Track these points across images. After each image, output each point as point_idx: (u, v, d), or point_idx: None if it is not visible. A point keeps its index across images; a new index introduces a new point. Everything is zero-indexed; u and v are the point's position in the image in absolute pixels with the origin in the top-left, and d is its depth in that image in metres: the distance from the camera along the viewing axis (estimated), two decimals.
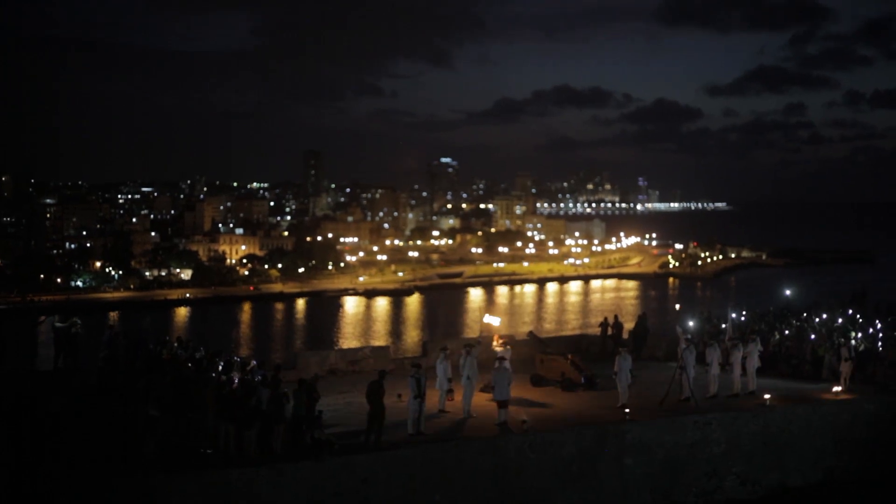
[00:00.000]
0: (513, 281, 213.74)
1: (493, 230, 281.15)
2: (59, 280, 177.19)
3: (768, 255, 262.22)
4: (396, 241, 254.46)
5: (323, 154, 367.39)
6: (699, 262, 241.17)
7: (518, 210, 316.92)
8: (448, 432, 26.53)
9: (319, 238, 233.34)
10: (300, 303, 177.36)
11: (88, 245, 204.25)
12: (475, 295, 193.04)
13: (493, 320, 38.84)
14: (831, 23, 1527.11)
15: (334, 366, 36.47)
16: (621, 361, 30.32)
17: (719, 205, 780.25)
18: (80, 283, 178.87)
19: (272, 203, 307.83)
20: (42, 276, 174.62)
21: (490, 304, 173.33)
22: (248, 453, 23.46)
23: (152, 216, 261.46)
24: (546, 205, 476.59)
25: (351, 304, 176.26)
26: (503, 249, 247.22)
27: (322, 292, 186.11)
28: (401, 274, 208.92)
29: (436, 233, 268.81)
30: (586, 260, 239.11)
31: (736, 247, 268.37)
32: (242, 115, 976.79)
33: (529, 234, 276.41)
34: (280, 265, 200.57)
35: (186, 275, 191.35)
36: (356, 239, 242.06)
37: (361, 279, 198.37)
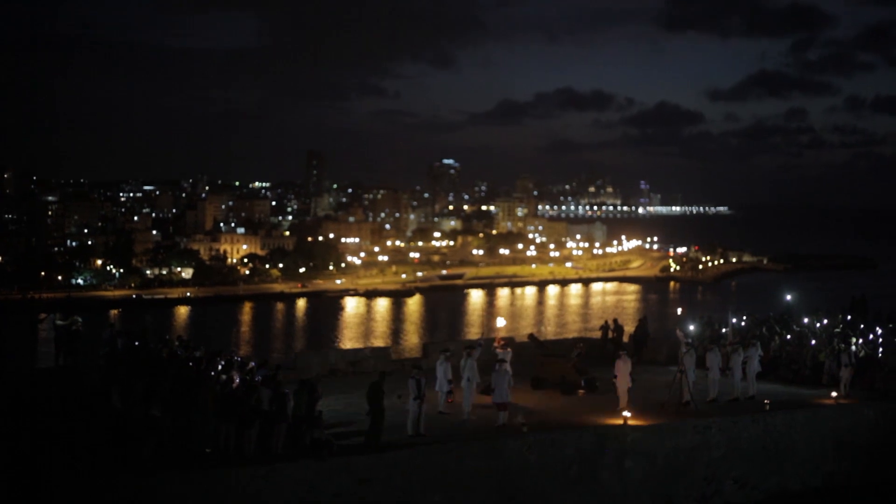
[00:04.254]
0: (514, 283, 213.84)
1: (494, 232, 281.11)
2: (60, 278, 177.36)
3: (769, 260, 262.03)
4: (398, 242, 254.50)
5: (325, 154, 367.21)
6: (700, 266, 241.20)
7: (520, 212, 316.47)
8: (448, 434, 26.50)
9: (321, 238, 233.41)
10: (301, 303, 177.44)
11: (90, 243, 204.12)
12: (476, 297, 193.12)
13: (499, 322, 38.77)
14: (832, 28, 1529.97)
15: (335, 366, 36.48)
16: (622, 365, 30.32)
17: (721, 209, 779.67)
18: (80, 281, 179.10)
19: (274, 203, 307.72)
20: (43, 273, 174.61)
21: (491, 307, 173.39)
22: (247, 453, 23.47)
23: (154, 215, 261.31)
24: (548, 207, 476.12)
25: (352, 305, 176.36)
26: (504, 251, 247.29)
27: (323, 292, 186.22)
28: (404, 276, 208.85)
29: (437, 234, 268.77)
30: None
31: (737, 251, 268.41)
32: (245, 114, 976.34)
33: (531, 236, 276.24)
34: (281, 265, 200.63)
35: (187, 274, 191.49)
36: (357, 239, 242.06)
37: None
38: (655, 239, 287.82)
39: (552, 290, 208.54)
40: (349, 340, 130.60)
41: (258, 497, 22.24)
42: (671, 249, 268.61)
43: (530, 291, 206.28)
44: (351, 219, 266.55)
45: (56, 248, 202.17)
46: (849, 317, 45.74)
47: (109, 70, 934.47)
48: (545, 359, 34.83)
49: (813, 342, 38.73)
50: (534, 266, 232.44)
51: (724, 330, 41.69)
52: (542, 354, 35.44)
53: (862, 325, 42.88)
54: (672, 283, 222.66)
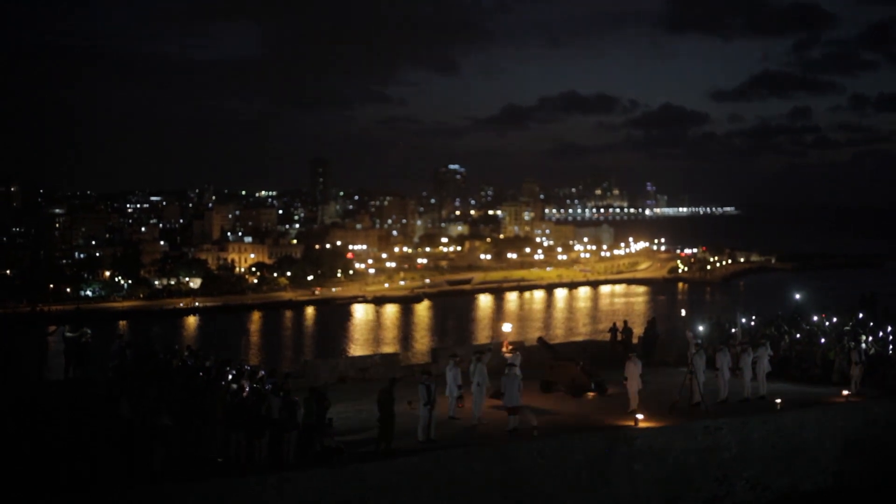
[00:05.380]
0: (522, 287, 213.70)
1: (501, 236, 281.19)
2: (68, 289, 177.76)
3: (777, 260, 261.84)
4: (405, 249, 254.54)
5: (331, 162, 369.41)
6: (708, 267, 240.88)
7: (526, 216, 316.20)
8: (458, 439, 26.45)
9: (328, 246, 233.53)
10: (309, 311, 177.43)
11: (97, 254, 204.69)
12: (484, 301, 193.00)
13: (506, 328, 38.59)
14: (834, 28, 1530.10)
15: (344, 373, 36.46)
16: (631, 367, 30.25)
17: (727, 209, 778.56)
18: (89, 293, 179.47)
19: (280, 211, 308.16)
20: (51, 285, 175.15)
21: (499, 311, 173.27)
22: (258, 462, 23.47)
23: (161, 225, 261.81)
24: (554, 211, 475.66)
25: (360, 312, 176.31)
26: (512, 256, 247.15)
27: (331, 300, 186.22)
28: (403, 283, 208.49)
29: (444, 239, 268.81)
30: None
31: (744, 251, 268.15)
32: (250, 123, 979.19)
33: (538, 240, 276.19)
34: (289, 273, 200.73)
35: (195, 283, 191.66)
36: (365, 246, 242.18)
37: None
38: (663, 240, 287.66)
39: (560, 294, 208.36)
40: (358, 347, 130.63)
41: None
42: (680, 250, 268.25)
43: (539, 295, 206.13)
44: (358, 226, 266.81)
45: (64, 261, 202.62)
46: (859, 314, 45.69)
47: (114, 81, 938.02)
48: (555, 362, 34.75)
49: (823, 340, 38.62)
50: (533, 269, 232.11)
51: (733, 330, 41.61)
52: (552, 358, 35.35)
53: (872, 323, 42.80)
54: (680, 285, 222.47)
